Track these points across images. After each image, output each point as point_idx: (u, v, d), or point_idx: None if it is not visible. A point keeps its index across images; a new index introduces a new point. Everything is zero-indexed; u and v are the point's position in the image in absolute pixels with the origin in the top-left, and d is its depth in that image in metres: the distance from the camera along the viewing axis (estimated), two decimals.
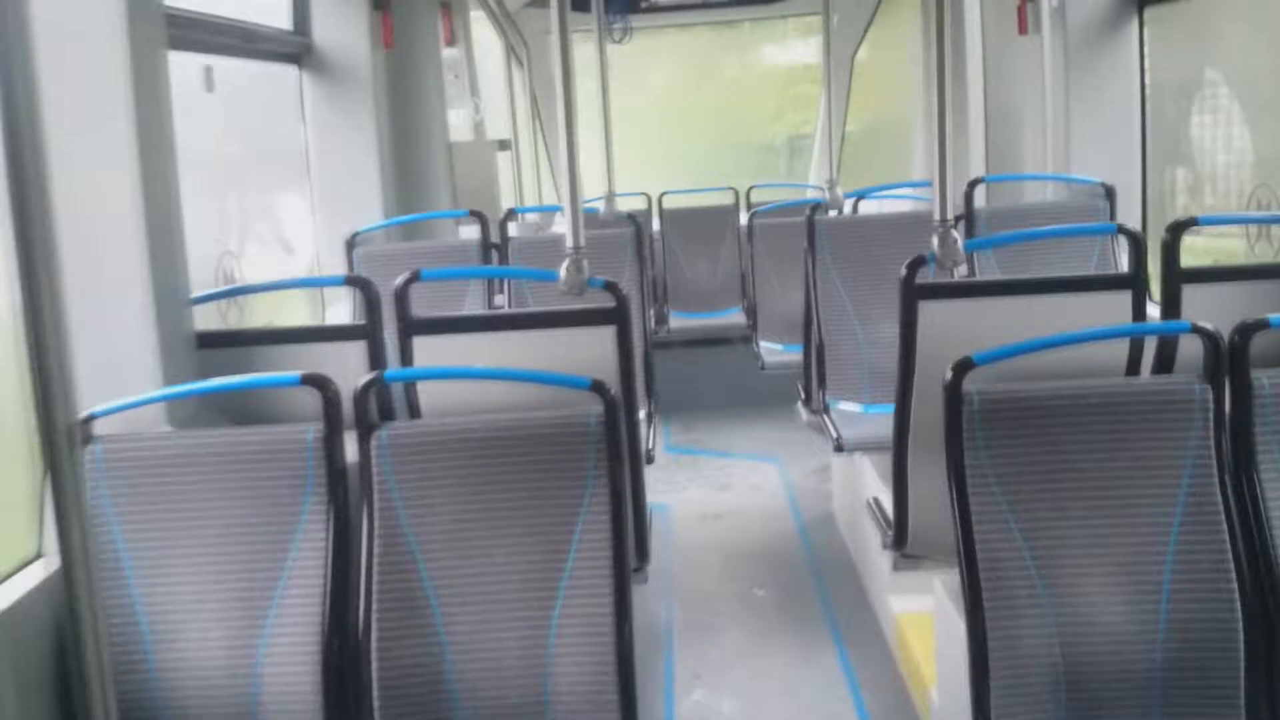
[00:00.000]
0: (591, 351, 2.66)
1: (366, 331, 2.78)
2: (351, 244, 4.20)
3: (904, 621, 3.54)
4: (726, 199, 7.26)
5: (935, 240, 2.71)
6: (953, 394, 2.23)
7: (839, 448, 3.73)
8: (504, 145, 5.32)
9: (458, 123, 5.74)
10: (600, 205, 4.78)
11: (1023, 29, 4.93)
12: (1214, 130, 4.20)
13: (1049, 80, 4.71)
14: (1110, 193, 4.35)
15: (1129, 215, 4.35)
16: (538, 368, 2.51)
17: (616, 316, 2.67)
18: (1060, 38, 4.68)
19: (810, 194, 7.71)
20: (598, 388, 2.29)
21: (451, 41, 5.66)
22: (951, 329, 2.66)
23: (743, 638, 3.89)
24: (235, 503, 2.25)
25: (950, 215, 2.71)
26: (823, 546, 4.66)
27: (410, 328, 2.67)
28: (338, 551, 2.23)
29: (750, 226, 6.17)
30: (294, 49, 4.20)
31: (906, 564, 2.88)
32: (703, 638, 3.90)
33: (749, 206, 7.28)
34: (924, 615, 3.53)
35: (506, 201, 5.83)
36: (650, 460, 3.68)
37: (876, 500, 3.22)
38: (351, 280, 2.89)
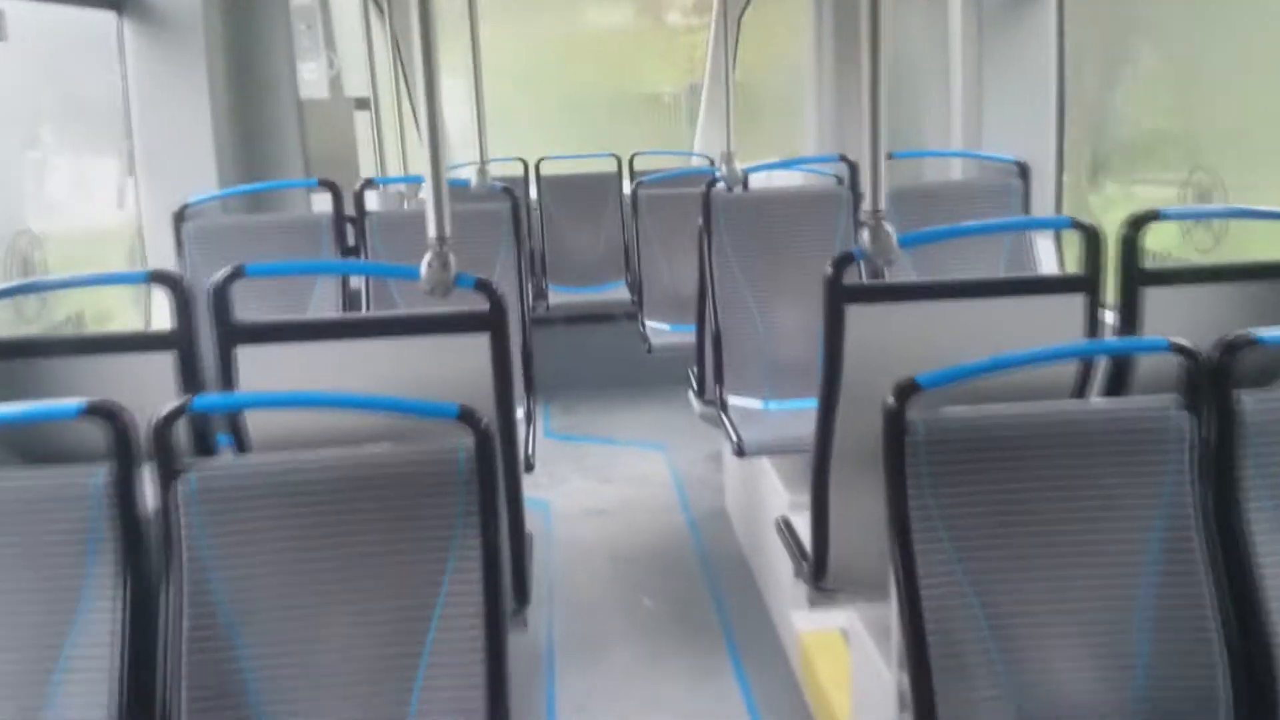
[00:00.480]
0: (463, 362, 2.21)
1: (179, 339, 2.26)
2: (180, 218, 3.62)
3: (810, 642, 3.23)
4: (609, 166, 6.83)
5: (865, 234, 2.34)
6: (894, 422, 1.86)
7: (740, 451, 3.37)
8: (362, 104, 4.74)
9: (312, 78, 5.15)
10: (472, 176, 4.26)
11: None
12: (1139, 103, 3.97)
13: (958, 42, 4.40)
14: (1025, 171, 4.08)
15: (1043, 197, 4.09)
16: (397, 382, 2.07)
17: (491, 321, 2.22)
18: None
19: (696, 162, 7.34)
20: (467, 417, 1.86)
21: None
22: (884, 336, 2.31)
23: (631, 658, 3.53)
24: (3, 566, 1.77)
25: (880, 203, 2.34)
26: (716, 547, 4.34)
27: (232, 335, 2.16)
28: (134, 627, 1.76)
29: (635, 197, 5.76)
30: None
31: (822, 597, 2.54)
32: (587, 659, 3.53)
33: (632, 175, 6.87)
34: (832, 634, 3.24)
35: (367, 169, 5.25)
36: (530, 468, 3.27)
37: (787, 522, 2.87)
38: (158, 277, 2.34)
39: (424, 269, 2.20)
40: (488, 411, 2.02)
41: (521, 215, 3.76)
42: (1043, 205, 4.12)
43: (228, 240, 3.63)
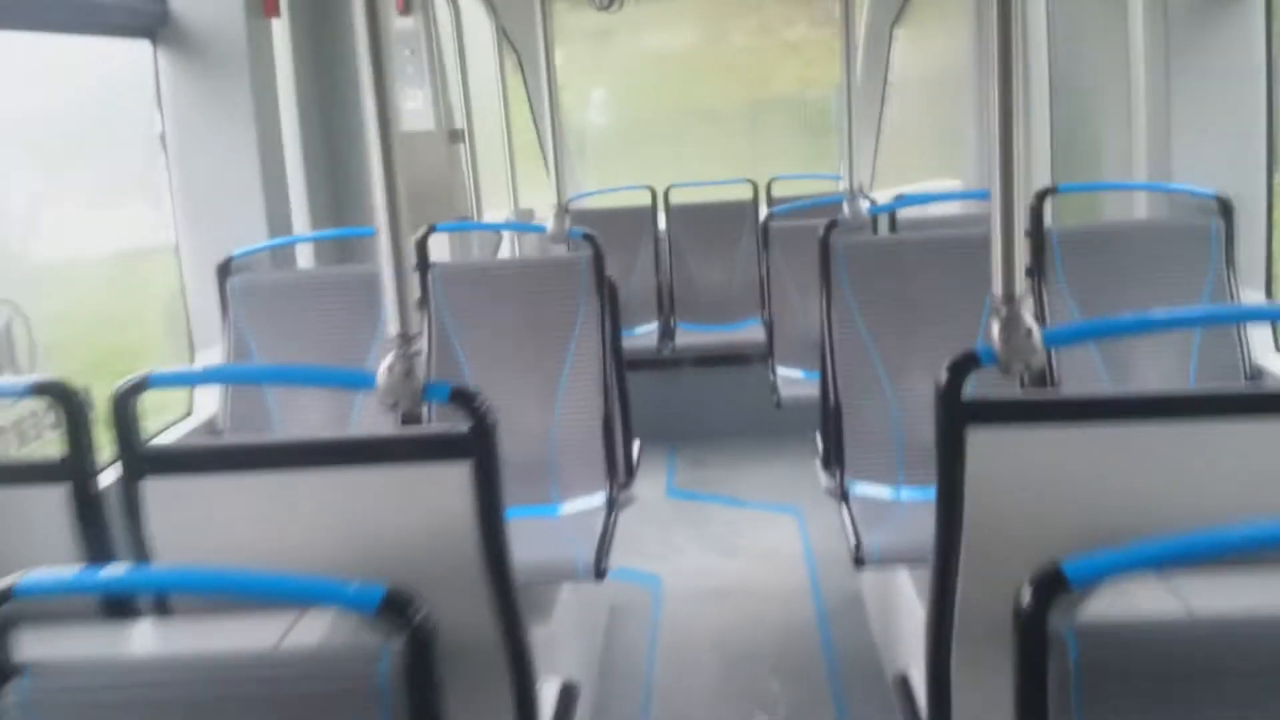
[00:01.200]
0: (441, 501, 1.68)
1: (74, 468, 1.79)
2: (225, 271, 3.27)
3: None
4: (744, 193, 6.27)
5: (995, 328, 1.71)
6: (1031, 631, 1.27)
7: (859, 560, 2.76)
8: (456, 136, 4.33)
9: (418, 109, 4.78)
10: (548, 220, 3.77)
11: None
12: None
13: (1141, 51, 3.64)
14: (1226, 208, 3.29)
15: (1249, 240, 3.30)
16: (356, 527, 1.60)
17: (472, 447, 1.71)
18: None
19: (841, 188, 6.68)
20: (395, 605, 1.33)
21: (406, 10, 4.70)
22: (1024, 472, 1.67)
23: None
24: None
25: (1014, 285, 1.70)
26: (848, 647, 3.70)
27: (138, 463, 1.72)
28: None
29: (765, 229, 5.18)
30: (146, 20, 3.25)
31: None
32: None
33: (770, 203, 6.29)
34: None
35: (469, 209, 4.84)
36: (601, 575, 2.77)
37: (904, 682, 2.22)
38: (42, 388, 1.87)
39: (381, 375, 1.70)
40: (466, 576, 1.51)
41: (605, 266, 3.26)
42: (1249, 250, 3.34)
43: (278, 299, 3.26)
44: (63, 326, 3.31)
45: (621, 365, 3.48)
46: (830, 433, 3.20)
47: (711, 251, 6.23)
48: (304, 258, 3.90)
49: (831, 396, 3.17)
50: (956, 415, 1.66)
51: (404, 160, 4.19)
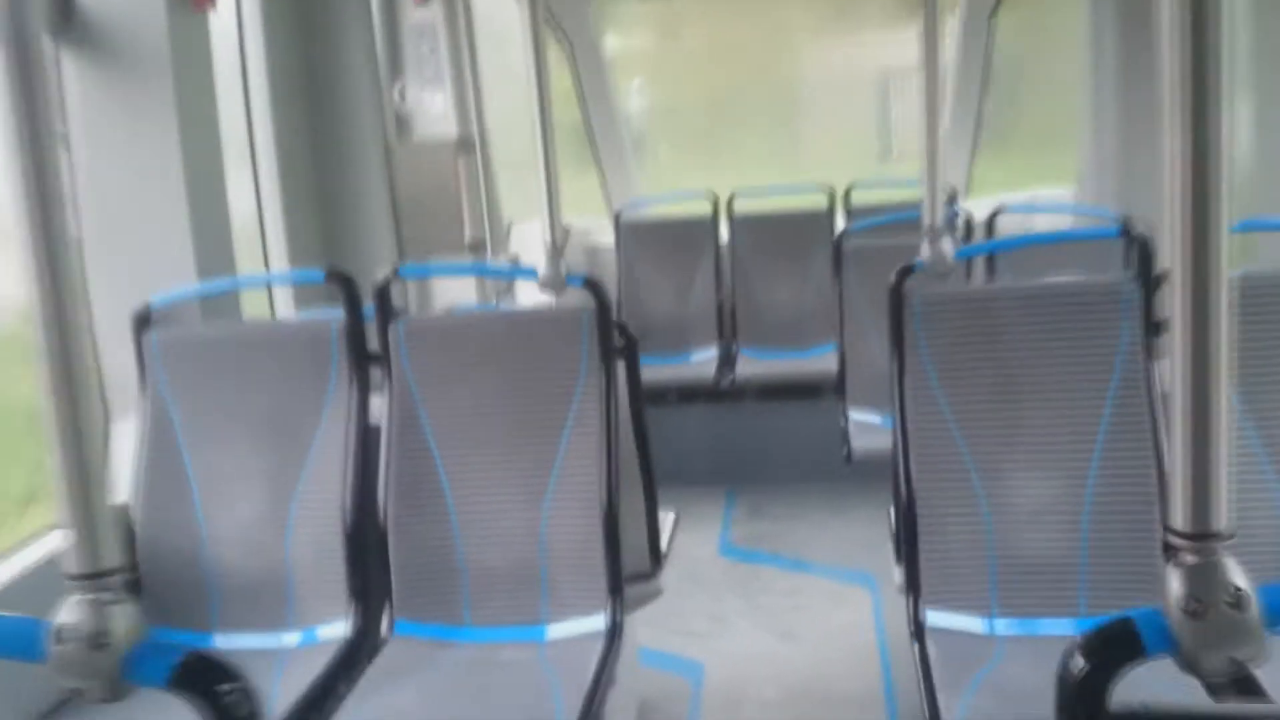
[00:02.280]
0: None
1: None
2: (144, 322, 2.66)
3: None
4: (817, 201, 5.52)
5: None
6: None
7: (931, 697, 2.04)
8: (464, 147, 3.67)
9: (439, 113, 4.14)
10: (540, 261, 2.95)
11: None
12: None
13: None
14: None
15: None
16: None
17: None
18: None
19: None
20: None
21: None
22: None
23: None
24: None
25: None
26: None
27: None
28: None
29: (838, 248, 4.44)
30: (45, 13, 2.65)
31: None
32: None
33: (848, 212, 5.53)
34: None
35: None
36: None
37: None
38: None
39: None
40: None
41: (609, 320, 2.55)
42: None
43: (207, 358, 2.64)
44: None
45: (645, 431, 2.81)
46: (902, 539, 2.46)
47: (780, 268, 5.50)
48: (284, 303, 3.30)
49: (904, 491, 2.43)
50: None
51: (409, 178, 3.59)
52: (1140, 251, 2.36)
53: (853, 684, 3.48)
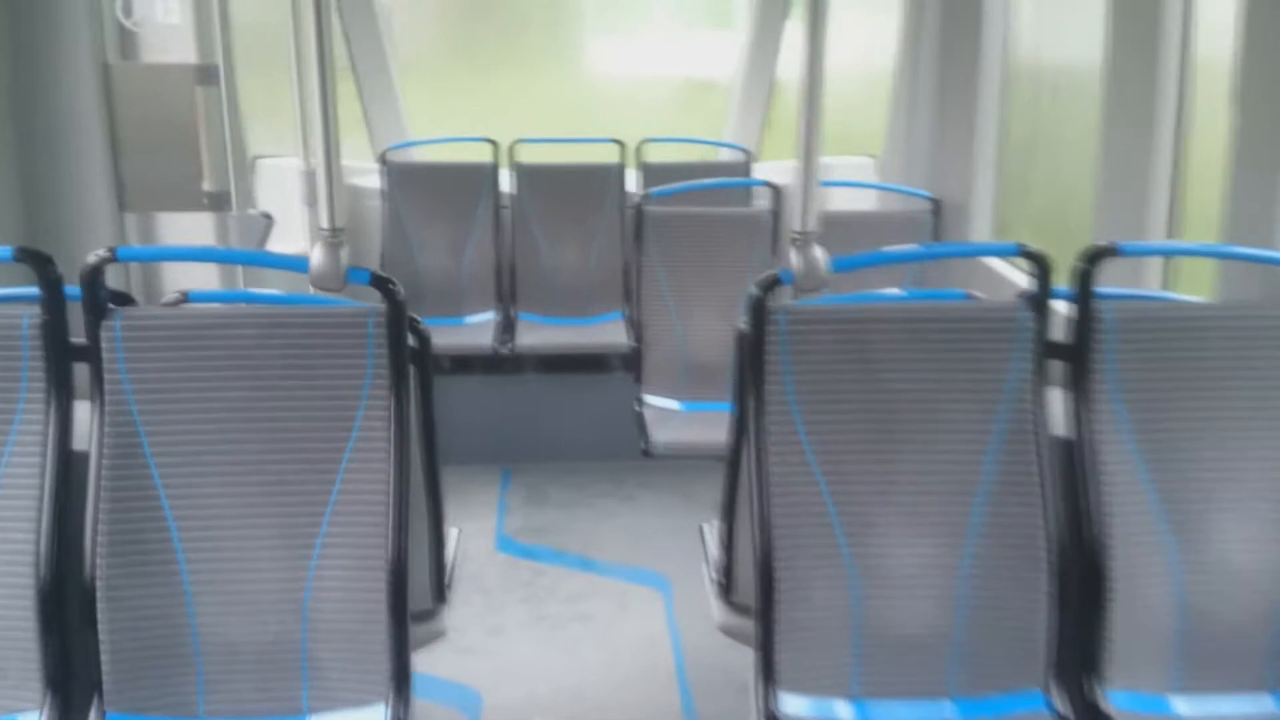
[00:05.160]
0: None
1: None
2: None
3: None
4: (608, 154, 5.07)
5: None
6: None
7: None
8: (206, 75, 2.95)
9: (175, 30, 3.35)
10: (313, 247, 2.19)
11: None
12: None
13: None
14: None
15: None
16: None
17: None
18: None
19: (725, 157, 5.55)
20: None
21: None
22: None
23: None
24: None
25: None
26: None
27: None
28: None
29: (640, 214, 4.03)
30: None
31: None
32: None
33: (641, 170, 5.12)
34: None
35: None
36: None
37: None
38: None
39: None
40: None
41: (403, 325, 1.99)
42: None
43: None
44: None
45: (435, 445, 2.30)
46: (758, 608, 2.07)
47: (566, 226, 5.03)
48: None
49: (759, 547, 2.04)
50: None
51: (133, 110, 2.86)
52: (1039, 270, 2.06)
53: (648, 708, 3.15)
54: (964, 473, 2.05)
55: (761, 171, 5.27)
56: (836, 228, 3.93)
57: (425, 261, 4.97)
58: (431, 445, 2.31)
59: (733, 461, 2.34)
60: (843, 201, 4.81)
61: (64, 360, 1.93)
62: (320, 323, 1.97)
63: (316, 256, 1.94)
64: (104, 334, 1.92)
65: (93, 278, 1.90)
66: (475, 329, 4.81)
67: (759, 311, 2.03)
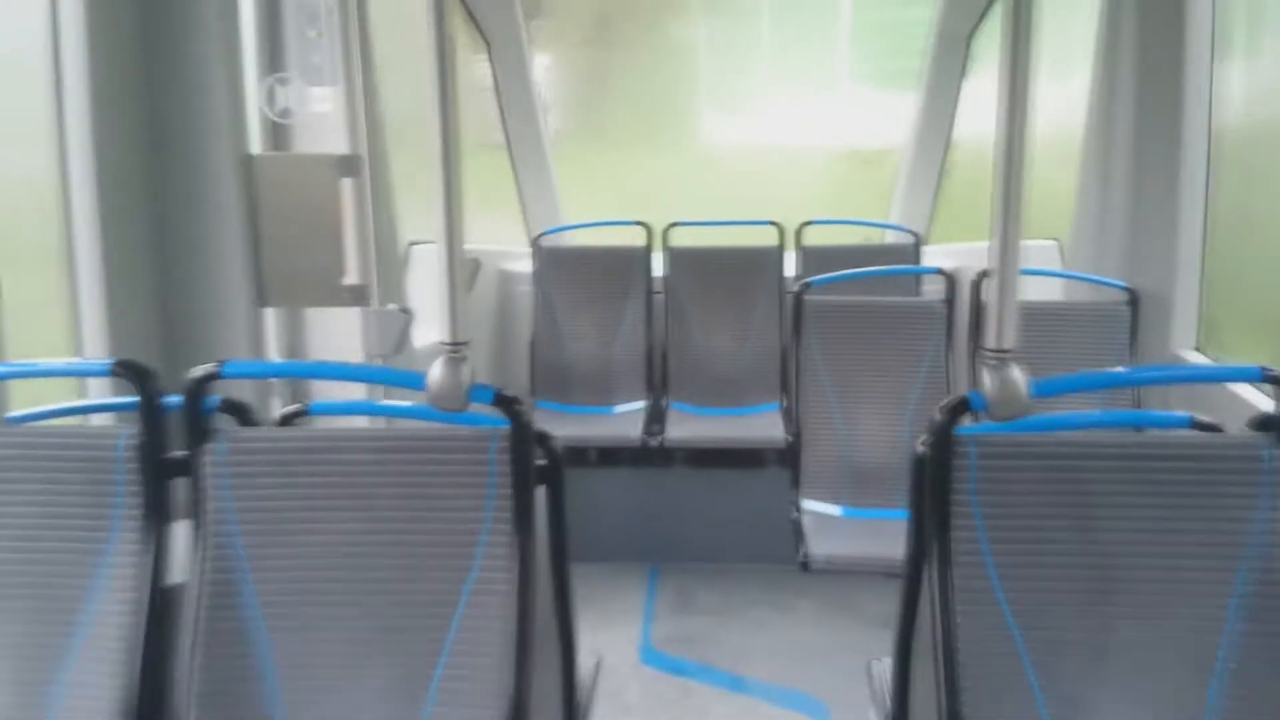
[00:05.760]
0: None
1: None
2: None
3: None
4: (767, 238, 4.84)
5: None
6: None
7: None
8: (349, 165, 2.85)
9: (324, 119, 3.29)
10: (437, 363, 1.93)
11: None
12: None
13: None
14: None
15: None
16: None
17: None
18: None
19: (892, 240, 5.22)
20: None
21: None
22: None
23: None
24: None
25: None
26: None
27: None
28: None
29: (798, 302, 3.75)
30: None
31: None
32: None
33: (800, 252, 4.85)
34: None
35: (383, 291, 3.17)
36: None
37: None
38: None
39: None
40: None
41: (529, 445, 1.76)
42: None
43: None
44: None
45: (567, 579, 2.05)
46: None
47: (720, 312, 4.80)
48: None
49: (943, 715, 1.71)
50: None
51: (275, 203, 2.79)
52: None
53: None
54: (1198, 645, 1.68)
55: (931, 255, 4.92)
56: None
57: (575, 349, 4.81)
58: (565, 580, 2.06)
59: (908, 603, 2.01)
60: (1022, 290, 4.42)
61: (161, 485, 1.78)
62: (439, 446, 1.76)
63: (435, 374, 1.73)
64: (206, 459, 1.76)
65: (195, 393, 1.75)
66: (624, 419, 4.60)
67: (944, 440, 1.72)
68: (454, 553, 1.74)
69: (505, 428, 1.76)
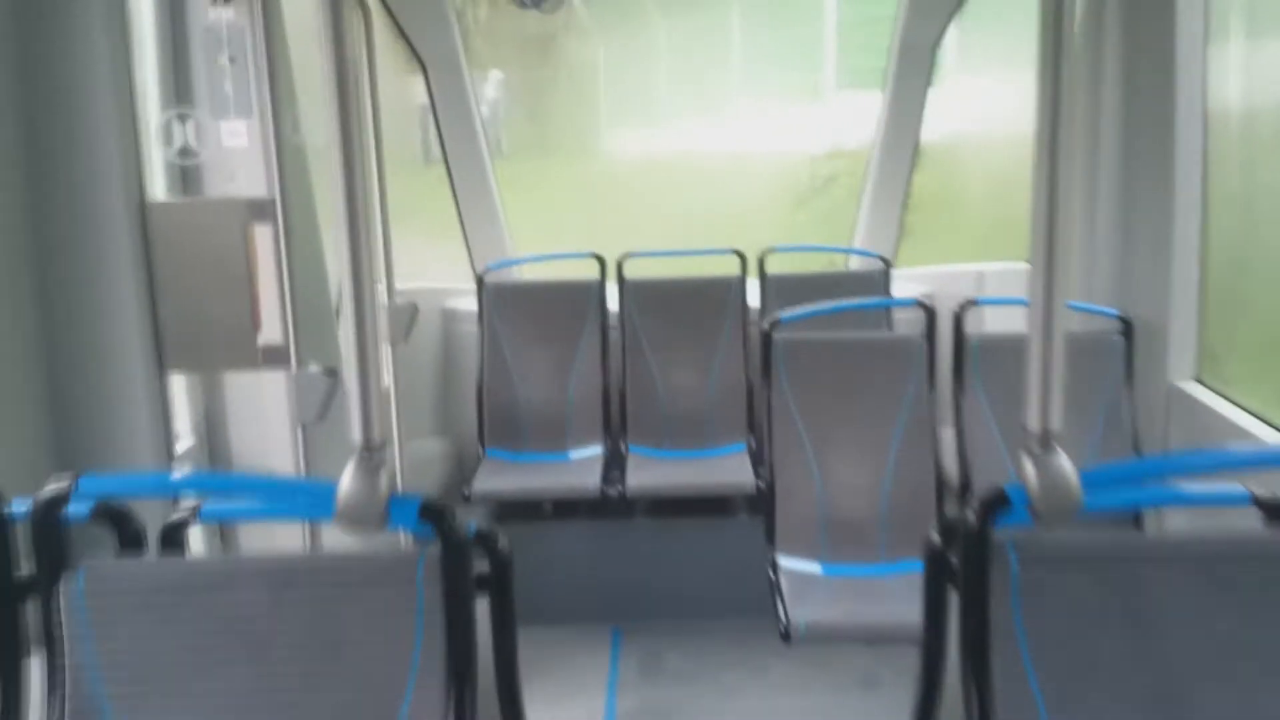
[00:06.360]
0: None
1: None
2: None
3: None
4: (728, 267, 4.54)
5: None
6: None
7: None
8: (261, 210, 2.50)
9: (238, 156, 2.93)
10: (345, 476, 1.62)
11: None
12: None
13: None
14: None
15: None
16: None
17: None
18: None
19: (856, 265, 4.94)
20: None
21: None
22: None
23: None
24: None
25: None
26: None
27: None
28: None
29: (767, 342, 3.45)
30: None
31: None
32: None
33: (763, 282, 4.56)
34: None
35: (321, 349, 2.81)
36: None
37: None
38: None
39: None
40: None
41: (465, 564, 1.42)
42: None
43: None
44: None
45: (516, 686, 1.72)
46: None
47: (681, 347, 4.49)
48: None
49: None
50: None
51: (178, 256, 2.43)
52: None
53: None
54: None
55: (901, 280, 4.66)
56: (998, 354, 3.32)
57: (526, 391, 4.48)
58: (513, 688, 1.72)
59: None
60: (997, 320, 4.18)
61: (11, 611, 1.43)
62: (352, 577, 1.43)
63: (345, 486, 1.38)
64: (59, 593, 1.41)
65: (44, 516, 1.40)
66: (580, 466, 4.28)
67: (979, 545, 1.42)
68: (373, 711, 1.41)
69: (434, 543, 1.43)
